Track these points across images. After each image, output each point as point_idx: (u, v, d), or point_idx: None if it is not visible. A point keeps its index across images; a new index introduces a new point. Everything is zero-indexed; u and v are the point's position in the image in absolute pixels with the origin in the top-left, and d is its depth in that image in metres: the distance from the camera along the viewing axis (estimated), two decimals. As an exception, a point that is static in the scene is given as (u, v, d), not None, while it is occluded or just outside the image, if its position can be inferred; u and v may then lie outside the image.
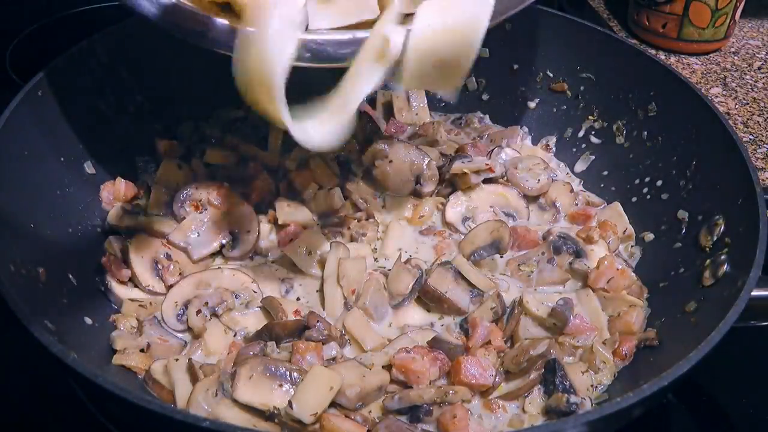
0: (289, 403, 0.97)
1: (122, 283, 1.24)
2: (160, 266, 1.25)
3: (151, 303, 1.22)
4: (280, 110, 0.92)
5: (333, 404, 1.02)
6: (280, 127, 0.95)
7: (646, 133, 1.43)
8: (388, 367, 1.09)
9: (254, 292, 1.23)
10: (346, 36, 1.05)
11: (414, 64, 0.99)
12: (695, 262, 1.19)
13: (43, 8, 1.99)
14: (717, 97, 1.89)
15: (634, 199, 1.43)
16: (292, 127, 0.95)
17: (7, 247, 1.03)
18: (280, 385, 1.01)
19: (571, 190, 1.47)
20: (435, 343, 1.13)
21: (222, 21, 1.05)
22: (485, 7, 0.96)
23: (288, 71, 0.91)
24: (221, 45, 1.05)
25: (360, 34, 1.04)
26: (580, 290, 1.27)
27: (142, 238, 1.28)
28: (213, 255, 1.30)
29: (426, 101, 1.64)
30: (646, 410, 0.94)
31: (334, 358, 1.10)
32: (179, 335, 1.19)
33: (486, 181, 1.42)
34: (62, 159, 1.26)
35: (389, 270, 1.26)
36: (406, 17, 1.02)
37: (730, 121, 1.76)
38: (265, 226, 1.34)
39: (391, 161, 1.39)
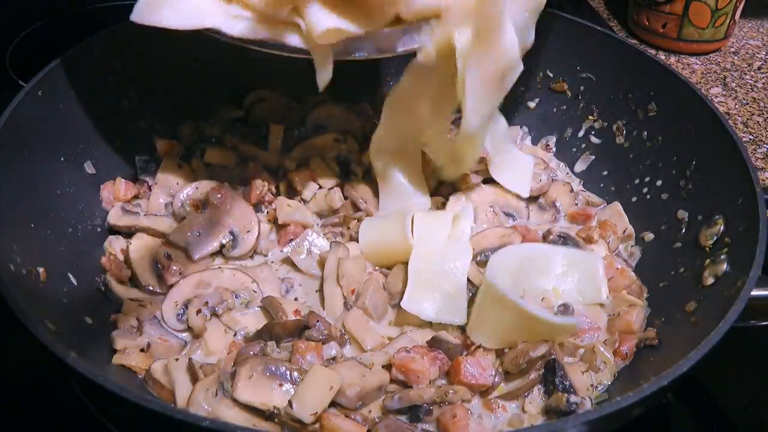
0: (289, 402, 0.97)
1: (122, 283, 1.24)
2: (160, 266, 1.25)
3: (151, 303, 1.22)
4: None
5: (333, 404, 1.02)
6: None
7: (646, 133, 1.43)
8: (387, 367, 1.09)
9: (254, 291, 1.23)
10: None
11: None
12: (695, 262, 1.19)
13: (43, 8, 1.99)
14: (717, 97, 1.89)
15: (634, 199, 1.43)
16: None
17: (7, 247, 1.03)
18: (280, 385, 1.01)
19: (571, 190, 1.47)
20: (435, 343, 1.13)
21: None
22: None
23: None
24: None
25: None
26: (580, 290, 1.27)
27: (142, 238, 1.29)
28: (213, 255, 1.30)
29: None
30: (646, 410, 0.94)
31: (334, 358, 1.10)
32: (179, 335, 1.19)
33: (486, 181, 1.42)
34: (62, 159, 1.26)
35: (389, 270, 1.26)
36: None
37: (730, 121, 1.76)
38: (265, 226, 1.34)
39: (391, 161, 1.39)
